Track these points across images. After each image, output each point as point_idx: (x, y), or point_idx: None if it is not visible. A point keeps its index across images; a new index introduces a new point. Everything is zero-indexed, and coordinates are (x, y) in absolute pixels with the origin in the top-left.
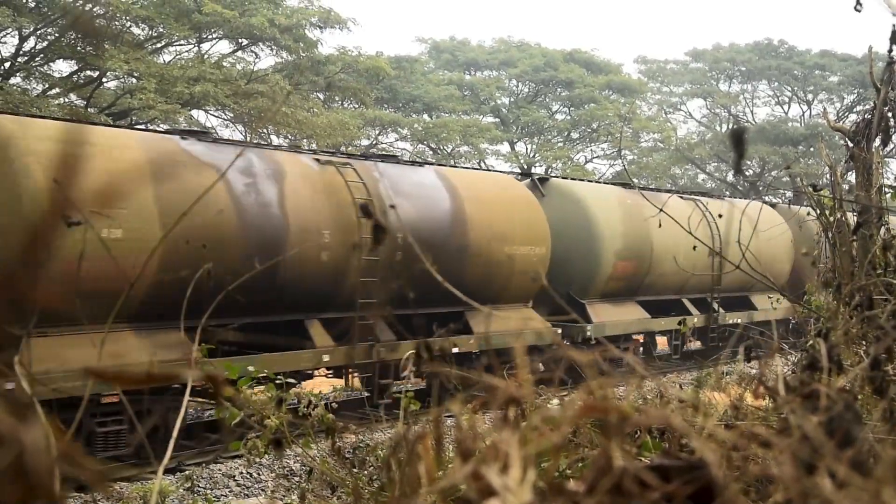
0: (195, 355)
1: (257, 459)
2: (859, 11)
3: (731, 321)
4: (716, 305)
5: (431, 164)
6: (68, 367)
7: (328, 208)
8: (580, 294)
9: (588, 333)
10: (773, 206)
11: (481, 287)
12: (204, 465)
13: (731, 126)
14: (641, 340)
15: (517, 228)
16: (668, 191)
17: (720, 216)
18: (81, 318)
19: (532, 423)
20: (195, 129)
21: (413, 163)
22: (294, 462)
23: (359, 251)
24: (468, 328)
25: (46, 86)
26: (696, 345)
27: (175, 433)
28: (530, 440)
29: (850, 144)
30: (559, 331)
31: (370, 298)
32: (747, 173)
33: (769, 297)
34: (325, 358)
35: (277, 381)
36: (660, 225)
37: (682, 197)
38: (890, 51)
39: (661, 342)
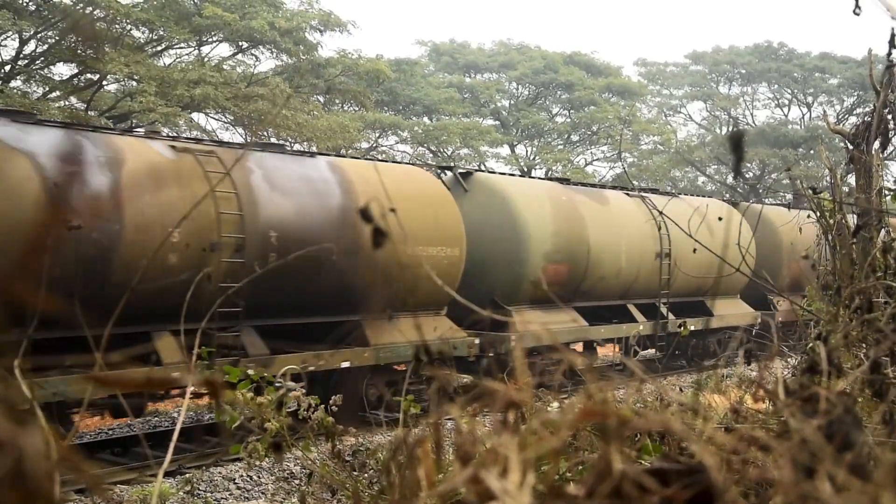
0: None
1: (257, 462)
2: (858, 15)
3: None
4: (664, 311)
5: (327, 155)
6: None
7: (180, 203)
8: (506, 300)
9: (513, 344)
10: (734, 204)
11: (381, 293)
12: (204, 468)
13: (730, 129)
14: (580, 350)
15: (425, 227)
16: (613, 187)
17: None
18: None
19: (532, 427)
20: (16, 108)
21: (304, 153)
22: (294, 465)
23: (218, 252)
24: (364, 339)
25: (47, 89)
26: (643, 354)
27: (175, 436)
28: (530, 444)
29: (850, 147)
30: (476, 341)
31: (234, 307)
32: (747, 176)
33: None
34: (176, 376)
35: (278, 385)
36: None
37: (627, 194)
38: (889, 54)
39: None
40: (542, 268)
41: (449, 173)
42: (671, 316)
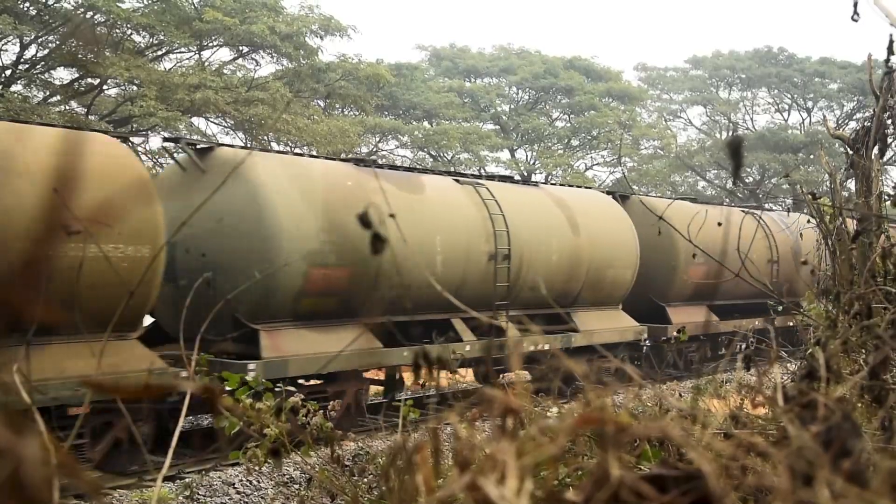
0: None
1: (256, 468)
2: (856, 21)
3: (532, 347)
4: (504, 325)
5: None
6: None
7: None
8: (252, 317)
9: (251, 374)
10: (624, 199)
11: None
12: (203, 472)
13: (730, 134)
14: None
15: (86, 215)
16: (441, 172)
17: (719, 224)
18: None
19: (530, 433)
20: None
21: None
22: (294, 469)
23: None
24: None
25: (47, 93)
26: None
27: (174, 441)
28: (528, 451)
29: (850, 152)
30: (182, 372)
31: None
32: (747, 180)
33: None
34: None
35: (276, 390)
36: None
37: (457, 181)
38: (888, 60)
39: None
40: (303, 273)
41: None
42: (513, 331)
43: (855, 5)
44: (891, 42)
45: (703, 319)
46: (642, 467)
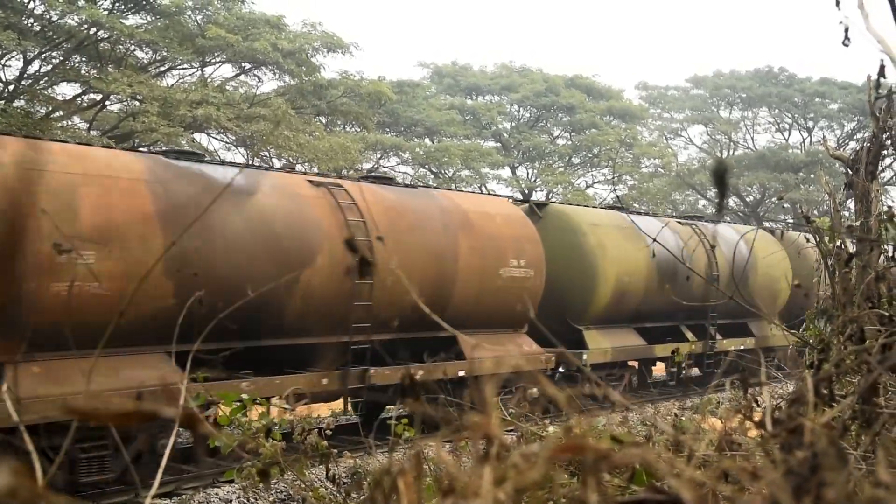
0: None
1: (252, 486)
2: (847, 46)
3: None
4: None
5: None
6: None
7: None
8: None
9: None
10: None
11: None
12: (200, 489)
13: (726, 155)
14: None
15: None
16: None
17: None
18: None
19: (512, 460)
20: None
21: None
22: (291, 487)
23: None
24: None
25: (50, 108)
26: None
27: (164, 461)
28: (509, 477)
29: (850, 172)
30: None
31: None
32: (748, 199)
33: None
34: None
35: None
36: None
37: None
38: (878, 85)
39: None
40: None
41: None
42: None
43: (846, 31)
44: (881, 67)
45: None
46: (634, 487)
